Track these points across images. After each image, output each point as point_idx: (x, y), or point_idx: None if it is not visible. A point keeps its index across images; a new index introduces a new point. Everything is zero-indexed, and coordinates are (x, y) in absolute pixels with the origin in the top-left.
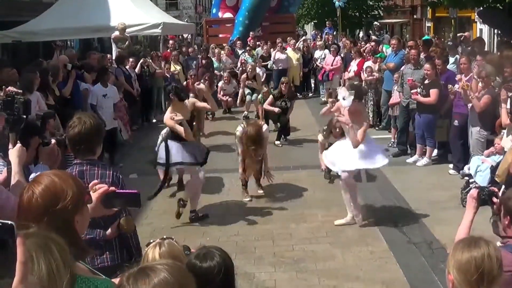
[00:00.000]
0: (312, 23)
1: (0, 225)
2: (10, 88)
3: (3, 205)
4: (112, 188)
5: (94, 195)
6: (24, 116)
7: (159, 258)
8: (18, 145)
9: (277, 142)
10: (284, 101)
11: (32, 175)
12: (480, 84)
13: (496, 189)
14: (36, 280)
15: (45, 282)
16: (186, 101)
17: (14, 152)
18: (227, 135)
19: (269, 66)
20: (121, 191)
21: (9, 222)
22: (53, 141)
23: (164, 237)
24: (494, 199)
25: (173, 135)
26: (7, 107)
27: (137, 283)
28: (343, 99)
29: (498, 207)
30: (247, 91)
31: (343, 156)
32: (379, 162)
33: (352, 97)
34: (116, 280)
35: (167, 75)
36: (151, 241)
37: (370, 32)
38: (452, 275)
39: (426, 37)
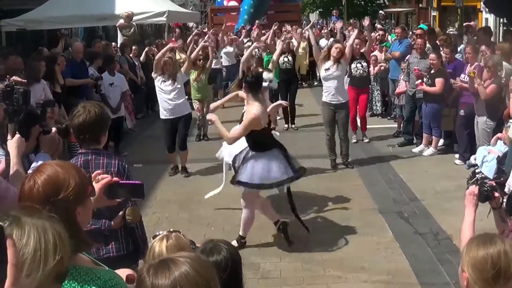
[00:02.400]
0: (317, 11)
1: None
2: (14, 78)
3: (1, 195)
4: (115, 178)
5: (97, 186)
6: (24, 107)
7: (165, 251)
8: (17, 135)
9: (285, 126)
10: (286, 57)
11: (34, 164)
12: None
13: (494, 183)
14: (29, 280)
15: (28, 262)
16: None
17: (12, 143)
18: (234, 123)
19: (274, 59)
20: (125, 181)
21: None
22: (53, 129)
23: (171, 230)
24: (496, 194)
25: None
26: (6, 98)
27: (157, 275)
28: (270, 81)
29: (499, 201)
30: None
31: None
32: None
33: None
34: (120, 272)
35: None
36: (158, 233)
37: (376, 21)
38: (467, 273)
39: (422, 25)
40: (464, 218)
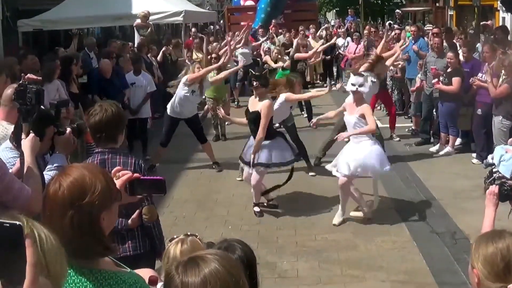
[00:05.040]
0: (334, 10)
1: (7, 225)
2: (29, 76)
3: (16, 195)
4: (136, 174)
5: (117, 182)
6: (37, 106)
7: (179, 255)
8: (31, 135)
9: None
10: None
11: (49, 165)
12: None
13: None
14: (47, 280)
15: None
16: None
17: (26, 143)
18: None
19: (291, 54)
20: (146, 177)
21: (17, 222)
22: (68, 129)
23: (188, 233)
24: None
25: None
26: (20, 97)
27: (187, 272)
28: (359, 86)
29: None
30: None
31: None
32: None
33: (370, 79)
34: (142, 272)
35: (189, 63)
36: (175, 236)
37: (391, 21)
38: (478, 269)
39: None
40: (484, 217)
